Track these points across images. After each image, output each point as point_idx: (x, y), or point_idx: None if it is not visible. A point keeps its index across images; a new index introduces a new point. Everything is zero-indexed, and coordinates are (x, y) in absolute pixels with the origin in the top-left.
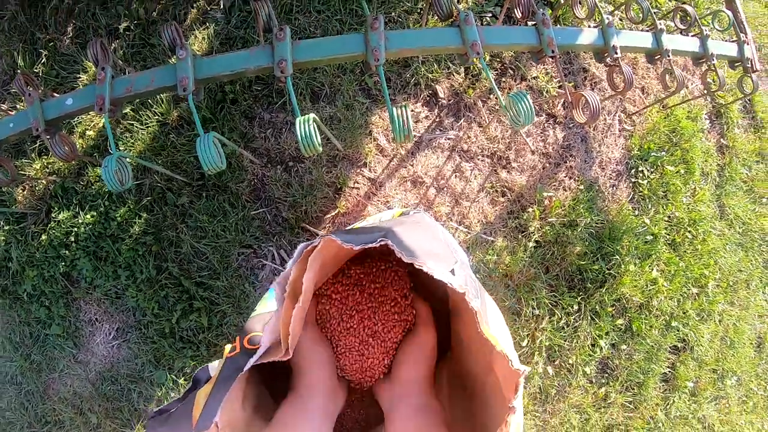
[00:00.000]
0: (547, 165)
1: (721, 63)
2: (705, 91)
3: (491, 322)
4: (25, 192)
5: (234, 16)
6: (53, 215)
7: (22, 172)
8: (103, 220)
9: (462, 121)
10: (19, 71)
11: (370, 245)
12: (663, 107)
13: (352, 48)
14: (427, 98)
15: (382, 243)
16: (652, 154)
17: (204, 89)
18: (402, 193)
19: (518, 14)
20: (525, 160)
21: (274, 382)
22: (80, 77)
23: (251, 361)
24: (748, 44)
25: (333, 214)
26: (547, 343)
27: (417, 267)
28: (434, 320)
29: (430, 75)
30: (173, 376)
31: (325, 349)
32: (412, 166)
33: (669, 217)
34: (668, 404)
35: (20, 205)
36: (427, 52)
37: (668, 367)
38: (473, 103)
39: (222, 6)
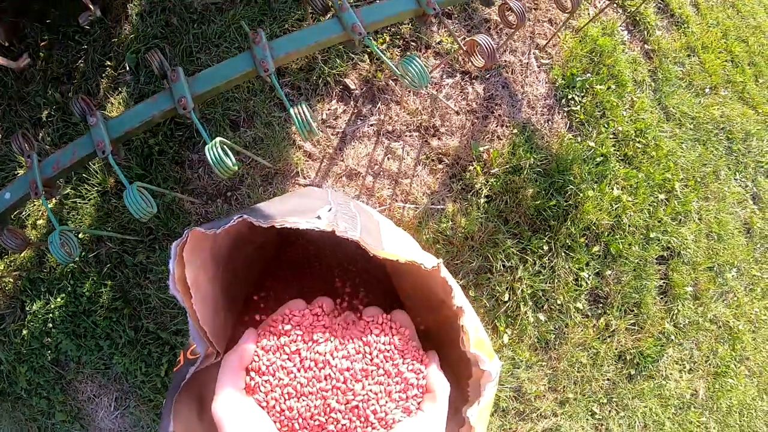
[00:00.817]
0: (476, 121)
1: None
2: (608, 2)
3: (388, 242)
4: None
5: (141, 74)
6: (27, 308)
7: None
8: (73, 299)
9: (379, 104)
10: None
11: (227, 226)
12: (576, 32)
13: (242, 66)
14: (340, 93)
15: (239, 219)
16: (578, 79)
17: (129, 148)
18: (340, 189)
19: None
20: (452, 122)
21: None
22: (18, 173)
23: (192, 370)
24: None
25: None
26: (529, 291)
27: (278, 227)
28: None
29: (335, 71)
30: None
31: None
32: (343, 161)
33: (614, 133)
34: (674, 315)
35: None
36: (315, 48)
37: (661, 278)
38: (385, 85)
39: (128, 68)
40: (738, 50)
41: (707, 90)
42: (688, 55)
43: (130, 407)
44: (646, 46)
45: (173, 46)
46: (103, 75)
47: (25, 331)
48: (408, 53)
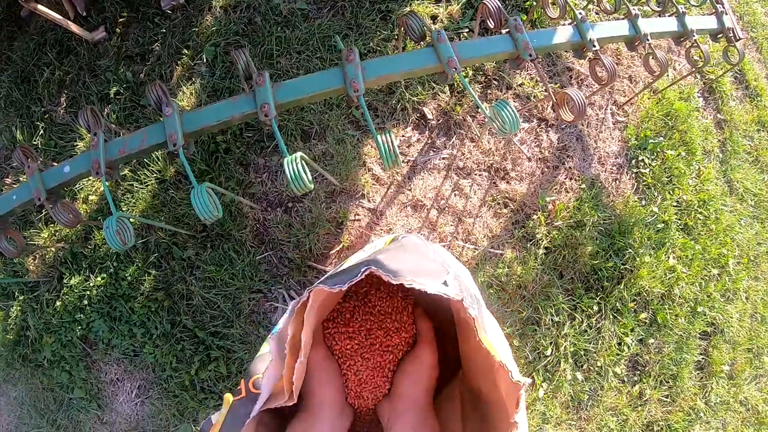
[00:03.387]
0: (546, 169)
1: (703, 38)
2: (692, 69)
3: (490, 333)
4: (36, 261)
5: (218, 68)
6: (65, 281)
7: (31, 242)
8: (113, 280)
9: (454, 139)
10: (18, 145)
11: (356, 280)
12: (654, 93)
13: (331, 83)
14: (416, 121)
15: (367, 272)
16: (650, 141)
17: (196, 142)
18: (404, 219)
19: (491, 24)
20: (523, 168)
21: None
22: (77, 145)
23: (256, 409)
24: (726, 14)
25: (338, 249)
26: (571, 349)
27: (407, 286)
28: (441, 339)
29: (415, 98)
30: (198, 428)
31: (334, 368)
32: (410, 190)
33: (677, 201)
34: (707, 392)
35: (33, 275)
36: (406, 75)
37: (701, 354)
38: (462, 120)
39: (205, 60)
40: None
41: None
42: (758, 130)
43: (152, 398)
44: (719, 115)
45: (254, 45)
46: (179, 63)
47: (58, 303)
48: (489, 92)
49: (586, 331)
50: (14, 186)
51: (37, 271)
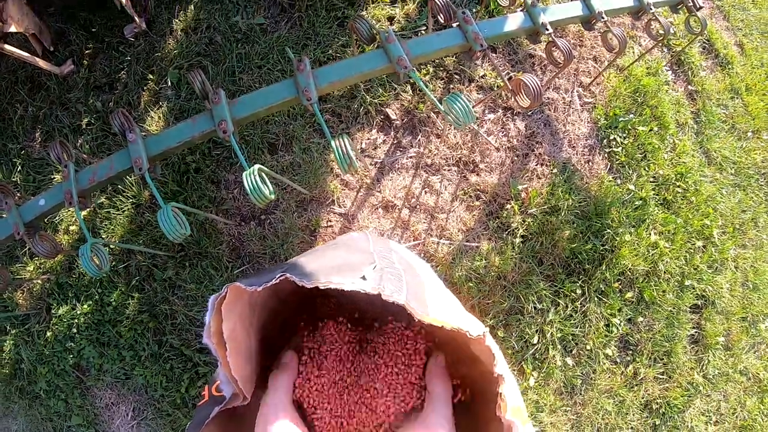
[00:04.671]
0: (515, 158)
1: (667, 12)
2: (654, 43)
3: (434, 305)
4: (24, 294)
5: (183, 90)
6: (53, 311)
7: (18, 276)
8: (99, 307)
9: (420, 136)
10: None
11: (270, 283)
12: (620, 71)
13: (285, 94)
14: (381, 123)
15: (282, 277)
16: (620, 119)
17: (167, 164)
18: (375, 221)
19: (441, 19)
20: (492, 158)
21: None
22: (55, 177)
23: (216, 409)
24: None
25: None
26: (558, 335)
27: (322, 287)
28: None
29: (377, 100)
30: None
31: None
32: (380, 192)
33: (654, 177)
34: (703, 365)
35: (22, 308)
36: (358, 79)
37: (693, 327)
38: (426, 117)
39: (170, 83)
40: None
41: (750, 134)
42: (732, 98)
43: (147, 419)
44: (690, 87)
45: (216, 64)
46: (145, 88)
47: (49, 333)
48: (451, 86)
49: (571, 315)
50: None
51: (26, 304)
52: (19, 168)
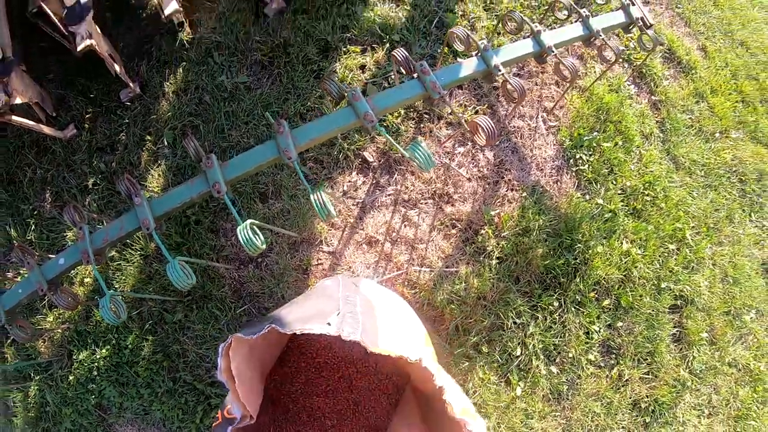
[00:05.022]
0: (487, 186)
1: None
2: (607, 66)
3: (384, 337)
4: (46, 343)
5: (178, 148)
6: (74, 357)
7: (39, 327)
8: (117, 350)
9: (396, 175)
10: (15, 244)
11: (260, 333)
12: (582, 92)
13: (268, 154)
14: (359, 166)
15: (269, 328)
16: (585, 138)
17: (167, 218)
18: (361, 256)
19: (403, 71)
20: (464, 189)
21: None
22: (67, 234)
23: (230, 428)
24: (634, 4)
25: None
26: (540, 346)
27: (298, 333)
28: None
29: (354, 146)
30: None
31: None
32: (363, 229)
33: (622, 189)
34: (689, 361)
35: (45, 355)
36: (331, 135)
37: (675, 327)
38: (401, 157)
39: (166, 143)
40: (749, 89)
41: (717, 134)
42: (697, 102)
43: None
44: (653, 97)
45: (207, 123)
46: (144, 148)
47: (71, 377)
48: (422, 125)
49: (551, 327)
50: (17, 279)
51: (48, 351)
52: (33, 227)
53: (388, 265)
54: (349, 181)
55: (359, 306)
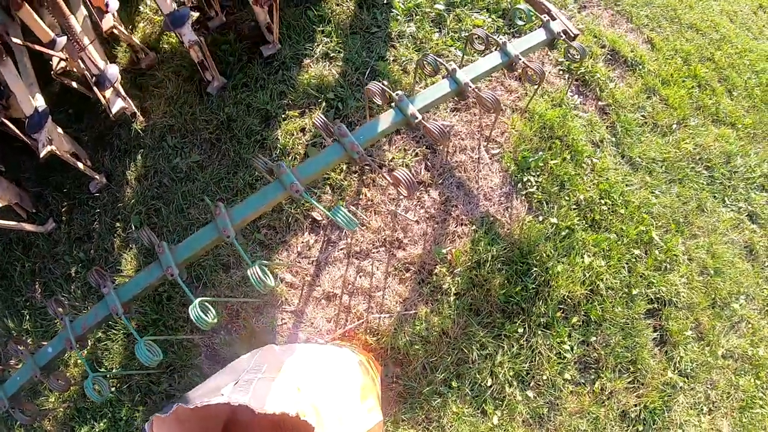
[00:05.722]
0: (436, 225)
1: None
2: (535, 87)
3: (278, 397)
4: (50, 422)
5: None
6: None
7: (43, 408)
8: (113, 423)
9: (345, 230)
10: (12, 336)
11: (171, 412)
12: (522, 113)
13: (210, 236)
14: (310, 226)
15: (176, 407)
16: (530, 160)
17: (142, 300)
18: (321, 311)
19: (326, 137)
20: (414, 232)
21: None
22: (57, 321)
23: None
24: (554, 19)
25: None
26: (511, 373)
27: (200, 406)
28: None
29: (301, 208)
30: None
31: None
32: (320, 286)
33: (576, 203)
34: (676, 362)
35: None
36: (265, 209)
37: (654, 331)
38: (348, 211)
39: (134, 227)
40: (703, 71)
41: (675, 126)
42: (648, 97)
43: None
44: (600, 102)
45: (167, 204)
46: (115, 235)
47: None
48: (365, 177)
49: (519, 353)
50: (17, 367)
51: (53, 429)
52: (27, 317)
53: (348, 316)
54: (303, 242)
55: (263, 372)
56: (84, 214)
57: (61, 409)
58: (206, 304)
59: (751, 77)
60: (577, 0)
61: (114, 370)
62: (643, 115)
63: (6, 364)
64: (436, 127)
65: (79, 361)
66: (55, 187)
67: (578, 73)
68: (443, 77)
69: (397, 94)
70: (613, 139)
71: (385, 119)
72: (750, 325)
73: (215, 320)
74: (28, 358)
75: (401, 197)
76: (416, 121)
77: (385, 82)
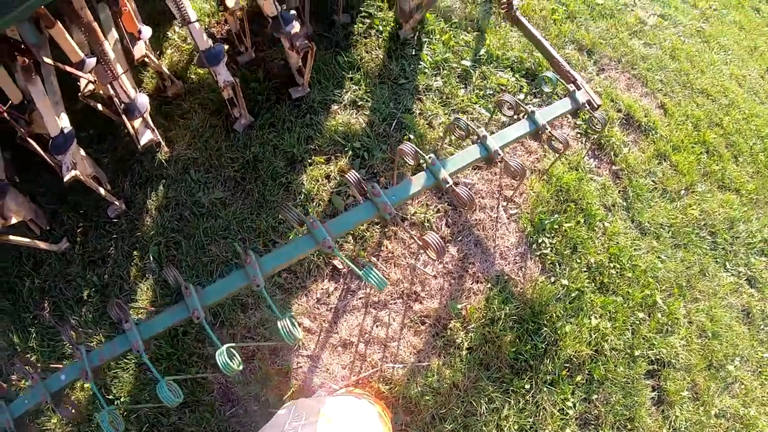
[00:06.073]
0: (452, 281)
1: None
2: (557, 156)
3: None
4: None
5: (163, 263)
6: None
7: (44, 429)
8: None
9: (356, 274)
10: (17, 357)
11: None
12: (541, 174)
13: (239, 282)
14: (330, 274)
15: None
16: (546, 222)
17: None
18: (336, 358)
19: (357, 195)
20: (431, 286)
21: None
22: (65, 343)
23: None
24: (580, 88)
25: (288, 394)
26: (516, 427)
27: None
28: None
29: (323, 256)
30: None
31: None
32: (337, 333)
33: (587, 266)
34: (671, 421)
35: None
36: (295, 261)
37: (653, 390)
38: (368, 261)
39: (152, 258)
40: (712, 137)
41: (683, 191)
42: (659, 163)
43: None
44: (614, 167)
45: (187, 239)
46: (132, 263)
47: None
48: (386, 230)
49: (524, 408)
50: (20, 383)
51: None
52: (34, 335)
53: (363, 364)
54: (322, 289)
55: (304, 419)
56: (100, 238)
57: None
58: (233, 350)
59: (756, 142)
60: (596, 63)
61: (123, 399)
62: (653, 181)
63: (9, 380)
64: (466, 194)
65: (85, 385)
66: (71, 206)
67: (594, 138)
68: (473, 142)
69: (429, 157)
70: (625, 203)
71: (417, 182)
72: (743, 386)
73: (240, 367)
74: (38, 382)
75: (420, 251)
76: (447, 185)
77: (412, 137)
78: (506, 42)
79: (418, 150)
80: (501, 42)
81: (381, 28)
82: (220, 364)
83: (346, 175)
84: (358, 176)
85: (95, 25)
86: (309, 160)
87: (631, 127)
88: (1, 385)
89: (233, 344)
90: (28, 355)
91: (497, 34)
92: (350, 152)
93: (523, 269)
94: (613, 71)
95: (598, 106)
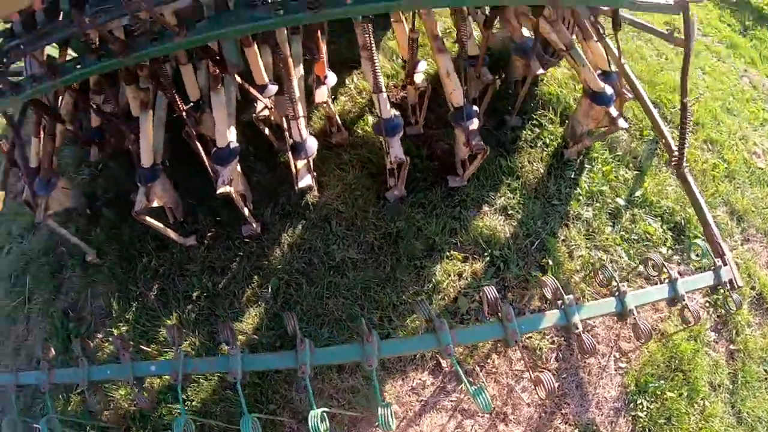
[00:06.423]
0: (543, 414)
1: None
2: (683, 327)
3: None
4: (109, 412)
5: (279, 298)
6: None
7: (110, 395)
8: None
9: (463, 384)
10: (116, 333)
11: None
12: (661, 335)
13: (354, 356)
14: (432, 368)
15: None
16: (651, 385)
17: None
18: None
19: (486, 310)
20: (521, 412)
21: None
22: (160, 331)
23: None
24: (726, 265)
25: None
26: None
27: None
28: None
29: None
30: None
31: None
32: (418, 425)
33: None
34: None
35: (105, 418)
36: (411, 354)
37: None
38: (472, 369)
39: (270, 289)
40: None
41: None
42: None
43: None
44: (731, 346)
45: (310, 284)
46: (249, 286)
47: None
48: (498, 344)
49: None
50: (105, 344)
51: (109, 416)
52: (134, 309)
53: None
54: (420, 380)
55: None
56: (227, 250)
57: (126, 406)
58: (325, 415)
59: None
60: (743, 231)
61: (194, 404)
62: (766, 370)
63: (94, 337)
64: (590, 345)
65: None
66: (209, 209)
67: (721, 312)
68: (611, 294)
69: (568, 299)
70: (731, 386)
71: (549, 318)
72: None
73: (327, 431)
74: (128, 361)
75: (526, 379)
76: (577, 331)
77: (550, 262)
78: (663, 189)
79: (560, 287)
80: (658, 188)
81: (548, 141)
82: (310, 424)
83: (485, 289)
84: (497, 294)
85: (290, 61)
86: (447, 253)
87: (761, 308)
88: (87, 341)
89: (326, 409)
90: (121, 324)
91: (656, 177)
92: (488, 258)
93: (613, 425)
94: (757, 244)
95: (739, 287)
